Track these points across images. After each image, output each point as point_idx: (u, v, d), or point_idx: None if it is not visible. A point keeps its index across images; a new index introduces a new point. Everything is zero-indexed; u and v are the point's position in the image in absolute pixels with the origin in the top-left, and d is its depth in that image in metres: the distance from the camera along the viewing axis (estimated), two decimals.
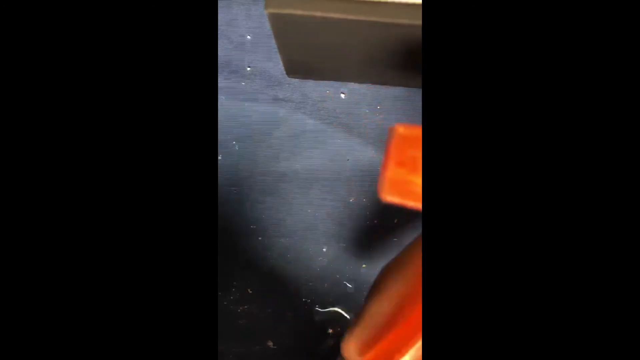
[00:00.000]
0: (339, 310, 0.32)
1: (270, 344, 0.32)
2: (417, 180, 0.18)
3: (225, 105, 0.35)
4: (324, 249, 0.33)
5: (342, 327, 0.32)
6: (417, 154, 0.18)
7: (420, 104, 0.35)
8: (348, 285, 0.32)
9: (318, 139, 0.34)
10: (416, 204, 0.18)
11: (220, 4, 0.36)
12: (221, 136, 0.34)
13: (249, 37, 0.36)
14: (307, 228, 0.33)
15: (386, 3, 0.25)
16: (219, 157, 0.34)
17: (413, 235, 0.32)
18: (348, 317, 0.32)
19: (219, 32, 0.36)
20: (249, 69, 0.35)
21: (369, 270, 0.32)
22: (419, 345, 0.20)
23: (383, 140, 0.34)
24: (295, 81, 0.35)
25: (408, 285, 0.21)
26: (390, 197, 0.19)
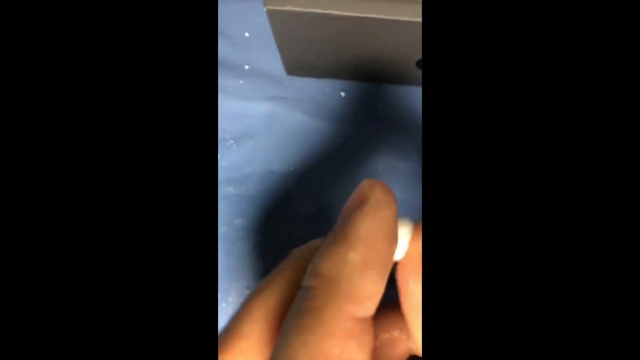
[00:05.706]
0: None
1: None
2: None
3: (223, 103, 0.34)
4: None
5: None
6: None
7: (420, 102, 0.34)
8: None
9: (317, 137, 0.34)
10: None
11: (218, 1, 0.35)
12: (219, 135, 0.34)
13: (247, 34, 0.35)
14: (306, 227, 0.33)
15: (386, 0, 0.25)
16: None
17: None
18: None
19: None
20: (247, 67, 0.35)
21: None
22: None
23: (383, 140, 0.34)
24: (295, 79, 0.35)
25: None
26: None
